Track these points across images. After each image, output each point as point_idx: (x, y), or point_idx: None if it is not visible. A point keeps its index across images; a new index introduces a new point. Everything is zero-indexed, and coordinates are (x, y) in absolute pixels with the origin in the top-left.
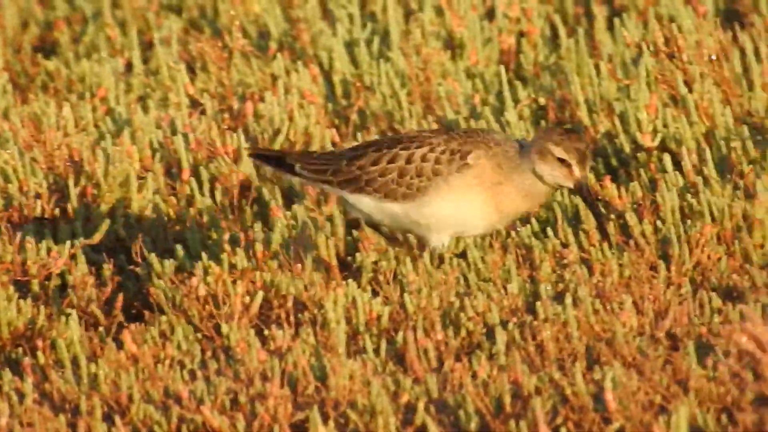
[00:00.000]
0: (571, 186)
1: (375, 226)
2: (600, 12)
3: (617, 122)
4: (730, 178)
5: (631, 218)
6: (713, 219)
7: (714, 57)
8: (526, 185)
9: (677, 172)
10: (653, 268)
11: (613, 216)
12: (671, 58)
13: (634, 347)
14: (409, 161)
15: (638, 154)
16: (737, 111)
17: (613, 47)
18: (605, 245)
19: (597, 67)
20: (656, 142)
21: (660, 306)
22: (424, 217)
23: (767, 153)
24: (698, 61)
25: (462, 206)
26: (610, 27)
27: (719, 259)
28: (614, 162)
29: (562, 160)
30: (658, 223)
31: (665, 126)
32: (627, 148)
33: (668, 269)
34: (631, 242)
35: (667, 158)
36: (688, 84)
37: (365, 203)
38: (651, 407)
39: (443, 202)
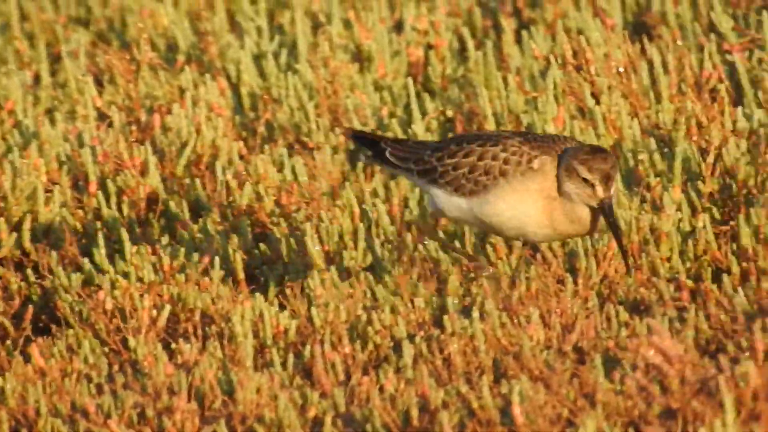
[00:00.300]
0: (595, 205)
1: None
2: (508, 25)
3: None
4: (637, 191)
5: None
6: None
7: (622, 69)
8: (567, 208)
9: None
10: (560, 281)
11: None
12: (579, 71)
13: (541, 361)
14: (481, 158)
15: None
16: (645, 123)
17: (521, 60)
18: (512, 258)
19: (505, 79)
20: None
21: (567, 319)
22: (486, 215)
23: (674, 166)
24: (606, 74)
25: (520, 210)
26: (519, 40)
27: (627, 272)
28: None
29: (585, 180)
30: None
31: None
32: None
33: (575, 282)
34: (539, 255)
35: None
36: (595, 96)
37: (437, 195)
38: (558, 421)
39: (503, 203)
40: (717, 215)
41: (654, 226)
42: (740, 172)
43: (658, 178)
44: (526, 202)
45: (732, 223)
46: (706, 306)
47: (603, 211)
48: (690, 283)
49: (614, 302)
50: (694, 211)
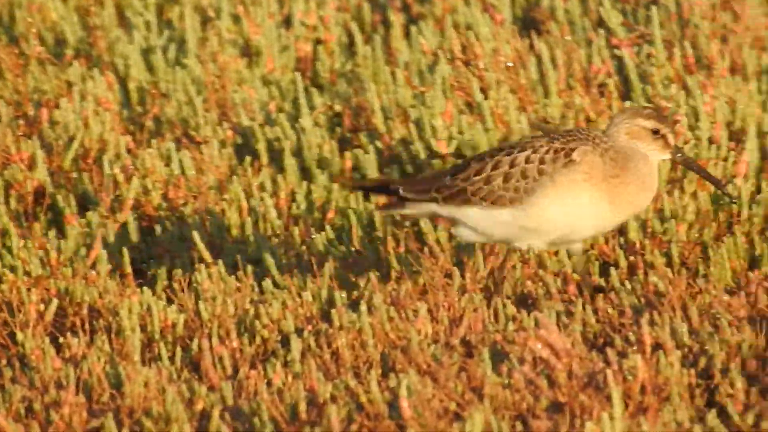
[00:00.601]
0: (669, 156)
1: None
2: (397, 20)
3: (413, 129)
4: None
5: (426, 225)
6: None
7: (510, 64)
8: (646, 174)
9: None
10: (448, 275)
11: (407, 223)
12: (468, 66)
13: (428, 354)
14: (513, 165)
15: (433, 161)
16: (533, 117)
17: (410, 55)
18: (401, 252)
19: (393, 74)
20: (451, 149)
21: (455, 313)
22: (532, 219)
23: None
24: (495, 69)
25: (570, 204)
26: (407, 35)
27: (513, 266)
28: (409, 168)
29: (656, 132)
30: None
31: (461, 133)
32: (422, 155)
33: (463, 276)
34: (426, 249)
35: None
36: (484, 91)
37: (470, 216)
38: (446, 414)
39: (550, 202)
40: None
41: None
42: None
43: None
44: (574, 194)
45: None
46: (593, 300)
47: (679, 155)
48: (577, 276)
49: (502, 296)
50: None
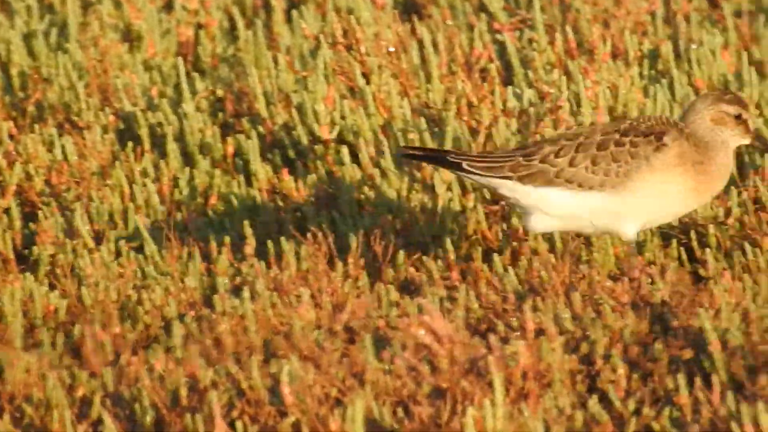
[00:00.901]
0: (749, 141)
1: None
2: (278, 4)
3: (295, 114)
4: (407, 171)
5: (308, 210)
6: (390, 211)
7: (392, 49)
8: (725, 162)
9: (355, 165)
10: (331, 261)
11: (290, 209)
12: (349, 51)
13: (311, 341)
14: (601, 147)
15: (316, 146)
16: (415, 103)
17: (292, 39)
18: (282, 238)
19: (275, 59)
20: (334, 134)
21: (338, 299)
22: (626, 203)
23: (444, 145)
24: (377, 53)
25: (665, 189)
26: (289, 19)
27: (397, 251)
28: (292, 154)
29: (738, 116)
30: (336, 215)
31: (343, 118)
32: (305, 140)
33: (345, 262)
34: (309, 235)
35: (344, 150)
36: (366, 76)
37: (555, 197)
38: (327, 400)
39: (647, 185)
40: (487, 195)
41: (425, 206)
42: None
43: None
44: (669, 179)
45: (502, 203)
46: (476, 286)
47: (760, 139)
48: (459, 262)
49: (385, 281)
50: (464, 191)
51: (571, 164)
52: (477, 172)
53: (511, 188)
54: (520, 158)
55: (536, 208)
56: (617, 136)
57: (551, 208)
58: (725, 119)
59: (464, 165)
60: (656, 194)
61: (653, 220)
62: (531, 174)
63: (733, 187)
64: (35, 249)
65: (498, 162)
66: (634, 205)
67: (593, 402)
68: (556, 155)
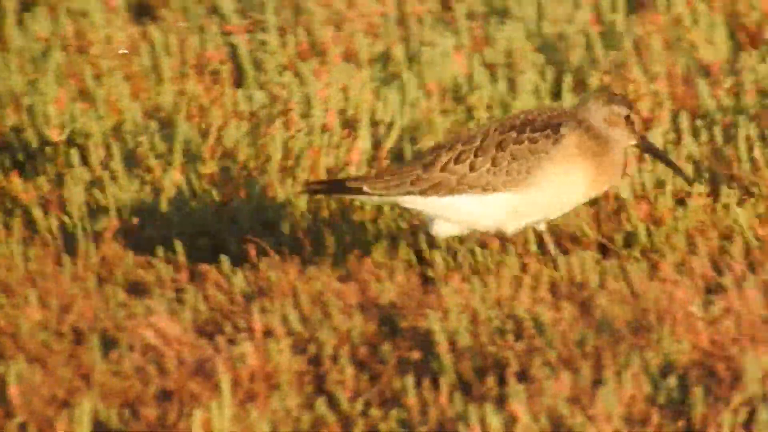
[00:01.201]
0: (635, 141)
1: None
2: (10, 5)
3: (25, 116)
4: (137, 173)
5: (37, 213)
6: (119, 214)
7: (125, 51)
8: (620, 159)
9: (85, 167)
10: (59, 262)
11: (19, 211)
12: (81, 53)
13: (38, 341)
14: (499, 148)
15: (46, 149)
16: (146, 105)
17: (23, 41)
18: (11, 240)
19: (5, 60)
20: (64, 137)
21: (65, 300)
22: (533, 199)
23: (174, 147)
24: (108, 56)
25: (572, 180)
26: (20, 21)
27: (126, 253)
28: (21, 156)
29: (628, 118)
30: (65, 217)
31: (73, 120)
32: (34, 143)
33: (74, 264)
34: (37, 237)
35: (74, 153)
36: (97, 78)
37: (460, 204)
38: (54, 402)
39: (551, 180)
40: (216, 197)
41: (154, 208)
42: (240, 153)
43: (158, 160)
44: (575, 171)
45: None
46: (205, 287)
47: (643, 141)
48: (187, 263)
49: (113, 283)
50: (194, 193)
51: (471, 169)
52: (378, 192)
53: (414, 202)
54: (420, 171)
55: (442, 217)
56: (515, 134)
57: (458, 215)
58: (617, 120)
59: (364, 188)
60: (559, 185)
61: (555, 213)
62: (433, 185)
63: None
64: None
65: (398, 178)
66: (540, 200)
67: (320, 403)
68: (456, 162)
